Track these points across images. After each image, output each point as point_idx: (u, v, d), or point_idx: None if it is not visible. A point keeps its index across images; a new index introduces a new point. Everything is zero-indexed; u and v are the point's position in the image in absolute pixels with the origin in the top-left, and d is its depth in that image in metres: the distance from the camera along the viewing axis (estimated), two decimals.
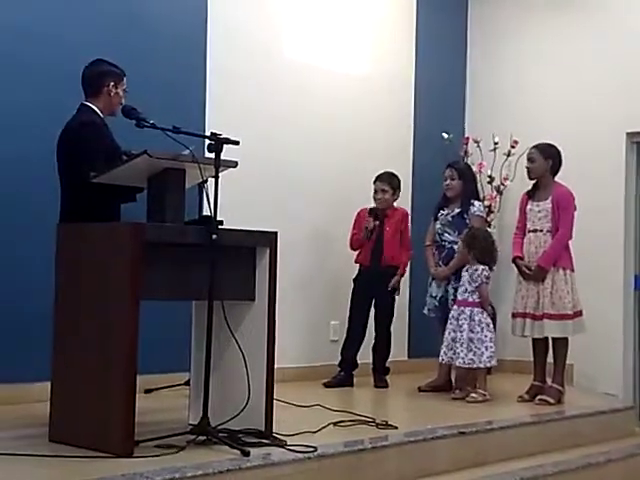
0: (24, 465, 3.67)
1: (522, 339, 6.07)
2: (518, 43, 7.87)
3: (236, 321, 4.28)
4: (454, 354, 5.86)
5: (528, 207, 6.00)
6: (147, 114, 4.23)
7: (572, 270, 5.89)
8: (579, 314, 5.88)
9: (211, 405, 4.04)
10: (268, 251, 4.33)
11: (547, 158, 5.95)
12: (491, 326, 5.90)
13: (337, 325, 6.75)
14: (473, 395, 5.84)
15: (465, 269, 5.99)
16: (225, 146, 4.11)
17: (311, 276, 6.78)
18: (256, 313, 4.33)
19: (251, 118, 6.29)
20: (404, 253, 6.48)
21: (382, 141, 7.27)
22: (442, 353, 5.94)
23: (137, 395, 3.88)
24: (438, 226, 6.37)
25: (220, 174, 4.09)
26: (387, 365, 6.52)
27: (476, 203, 6.39)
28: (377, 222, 6.32)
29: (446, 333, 5.95)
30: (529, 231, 5.97)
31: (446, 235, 6.32)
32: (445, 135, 7.64)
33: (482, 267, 5.92)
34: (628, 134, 7.20)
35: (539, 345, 5.99)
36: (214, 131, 4.17)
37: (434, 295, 6.34)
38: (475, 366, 5.82)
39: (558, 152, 5.99)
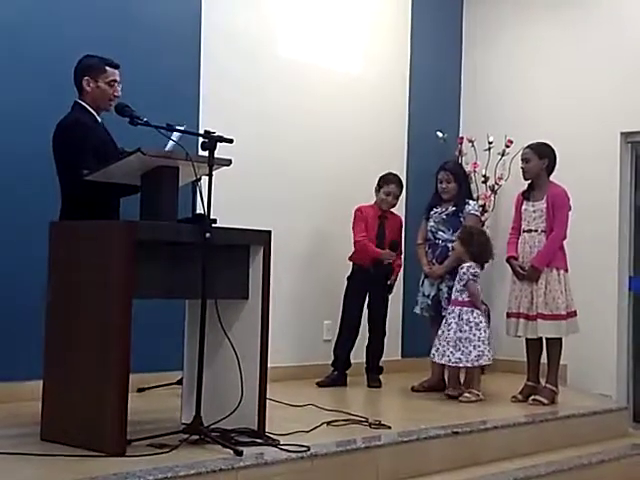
0: (15, 464, 3.66)
1: (515, 339, 6.06)
2: (513, 43, 7.87)
3: (229, 320, 4.27)
4: (438, 352, 5.86)
5: (523, 207, 5.99)
6: (141, 112, 4.20)
7: (566, 270, 5.89)
8: (573, 314, 5.87)
9: (204, 404, 4.02)
10: (262, 250, 4.31)
11: (542, 158, 5.94)
12: (481, 325, 5.86)
13: (330, 324, 6.74)
14: (467, 395, 5.84)
15: (460, 267, 5.98)
16: (219, 144, 4.10)
17: (305, 275, 6.77)
18: (249, 312, 4.32)
19: (245, 117, 6.28)
20: (398, 258, 6.51)
21: (377, 140, 7.26)
22: (433, 350, 5.94)
23: (130, 394, 3.86)
24: (432, 224, 6.36)
25: (214, 172, 4.08)
26: (380, 364, 6.52)
27: (471, 202, 6.41)
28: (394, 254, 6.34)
29: (439, 332, 5.94)
30: (524, 231, 5.97)
31: (440, 233, 6.32)
32: (440, 134, 7.64)
33: (467, 265, 5.91)
34: (623, 134, 7.20)
35: (533, 345, 5.99)
36: (208, 129, 4.16)
37: (427, 294, 6.34)
38: (462, 365, 5.82)
39: (552, 151, 5.98)
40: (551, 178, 5.99)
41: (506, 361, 7.11)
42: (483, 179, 7.66)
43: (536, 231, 5.90)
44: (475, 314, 5.88)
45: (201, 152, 4.13)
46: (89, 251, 3.97)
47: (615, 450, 5.63)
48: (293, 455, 3.96)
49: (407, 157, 7.56)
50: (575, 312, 5.89)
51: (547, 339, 5.90)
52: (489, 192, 7.65)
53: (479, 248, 5.95)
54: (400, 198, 6.61)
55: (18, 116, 5.18)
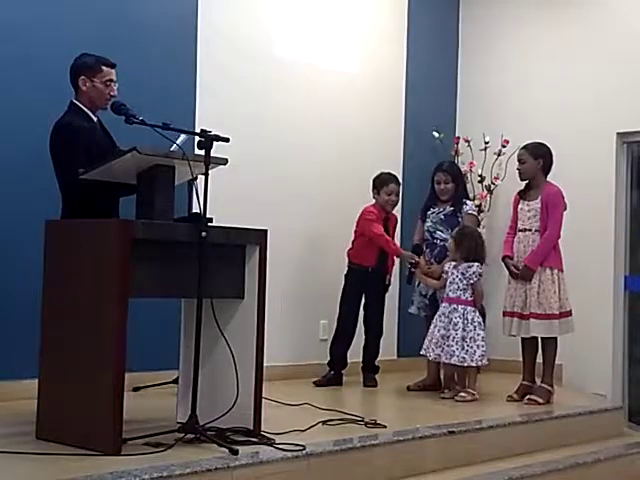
0: (11, 463, 3.66)
1: (511, 338, 6.07)
2: (509, 43, 7.88)
3: (225, 319, 4.27)
4: (442, 351, 5.85)
5: (519, 207, 6.00)
6: (137, 111, 4.21)
7: (561, 270, 5.89)
8: (566, 314, 5.87)
9: (200, 403, 4.02)
10: (258, 249, 4.31)
11: (537, 158, 5.94)
12: (482, 325, 5.91)
13: (327, 324, 6.75)
14: (462, 394, 5.84)
15: (453, 266, 5.97)
16: (215, 144, 4.10)
17: (301, 275, 6.77)
18: (245, 311, 4.32)
19: (241, 117, 6.28)
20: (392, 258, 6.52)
21: (373, 140, 7.27)
22: (430, 349, 5.90)
23: (125, 393, 3.86)
24: (429, 224, 6.36)
25: (210, 171, 4.09)
26: (376, 364, 6.52)
27: (468, 202, 6.42)
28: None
29: (435, 330, 5.91)
30: (519, 230, 5.97)
31: (438, 233, 6.32)
32: (436, 134, 7.65)
33: (476, 264, 5.92)
34: (619, 134, 7.21)
35: (528, 345, 5.99)
36: (204, 128, 4.16)
37: (424, 293, 6.34)
38: (467, 364, 5.82)
39: (548, 151, 5.98)
40: (548, 178, 6.00)
41: (501, 361, 7.12)
42: (479, 179, 7.67)
43: (530, 230, 5.90)
44: (477, 313, 5.90)
45: (197, 151, 4.13)
46: (85, 250, 3.97)
47: (610, 449, 5.63)
48: (289, 454, 3.96)
49: (403, 157, 7.56)
50: (570, 312, 5.89)
51: (542, 339, 5.91)
52: (485, 192, 7.66)
53: (468, 250, 5.93)
54: None
55: (18, 117, 5.17)
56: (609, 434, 5.94)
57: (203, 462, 3.68)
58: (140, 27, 5.80)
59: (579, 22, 7.46)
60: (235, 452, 3.84)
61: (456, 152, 7.77)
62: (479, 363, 5.85)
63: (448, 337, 5.84)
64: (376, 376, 6.47)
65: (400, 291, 7.28)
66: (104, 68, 4.55)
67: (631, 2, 7.22)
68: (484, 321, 6.17)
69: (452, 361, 5.83)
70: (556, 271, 5.85)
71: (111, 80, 4.57)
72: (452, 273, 5.96)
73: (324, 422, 4.69)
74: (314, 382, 6.31)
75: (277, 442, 4.09)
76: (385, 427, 4.71)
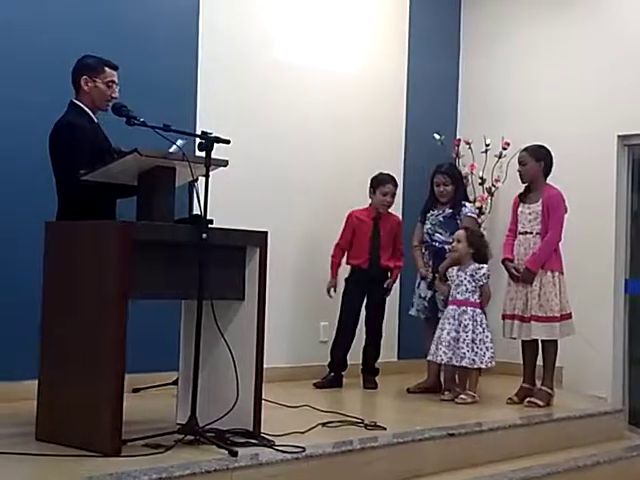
0: (10, 464, 3.66)
1: (511, 341, 6.06)
2: (511, 44, 7.88)
3: (225, 321, 4.27)
4: (453, 354, 5.82)
5: (519, 209, 5.99)
6: (138, 113, 4.20)
7: (561, 273, 5.88)
8: (567, 317, 5.87)
9: (199, 405, 4.02)
10: (258, 251, 4.31)
11: (538, 160, 5.94)
12: (489, 327, 5.91)
13: (327, 326, 6.74)
14: (462, 396, 5.84)
15: (458, 269, 5.97)
16: (216, 145, 4.10)
17: (301, 276, 6.77)
18: (245, 313, 4.32)
19: (242, 118, 6.28)
20: (398, 259, 6.49)
21: (373, 141, 7.26)
22: (439, 353, 5.87)
23: (125, 394, 3.87)
24: (428, 226, 6.35)
25: (211, 173, 4.08)
26: (377, 366, 6.52)
27: (468, 204, 6.41)
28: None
29: (443, 333, 5.85)
30: (519, 233, 5.96)
31: (437, 235, 6.31)
32: (437, 136, 7.64)
33: (486, 267, 5.92)
34: (620, 137, 7.20)
35: (528, 347, 5.99)
36: (205, 130, 4.16)
37: (423, 296, 6.34)
38: (476, 366, 5.82)
39: (549, 153, 5.98)
40: (548, 180, 6.00)
41: (502, 363, 7.08)
42: (480, 181, 7.66)
43: (531, 233, 5.90)
44: (485, 315, 5.91)
45: (198, 153, 4.13)
46: (85, 251, 3.97)
47: (610, 452, 5.64)
48: (288, 456, 3.96)
49: (404, 159, 7.56)
50: (570, 314, 5.88)
51: (543, 341, 5.91)
52: (486, 194, 7.65)
53: (483, 249, 5.96)
54: (397, 200, 6.60)
55: (18, 117, 5.17)
56: (609, 437, 5.93)
57: (203, 464, 3.68)
58: (141, 29, 5.80)
59: (580, 24, 7.46)
60: (235, 454, 3.84)
61: (457, 154, 7.76)
62: (488, 365, 5.85)
63: (458, 339, 5.83)
64: (376, 378, 6.47)
65: (400, 294, 7.28)
66: (107, 69, 4.56)
67: (634, 4, 7.21)
68: None
69: (463, 363, 5.81)
70: (557, 274, 5.85)
71: (113, 82, 4.58)
72: (458, 276, 5.95)
73: (324, 424, 4.69)
74: (314, 384, 6.30)
75: (277, 444, 4.09)
76: (385, 429, 4.71)
